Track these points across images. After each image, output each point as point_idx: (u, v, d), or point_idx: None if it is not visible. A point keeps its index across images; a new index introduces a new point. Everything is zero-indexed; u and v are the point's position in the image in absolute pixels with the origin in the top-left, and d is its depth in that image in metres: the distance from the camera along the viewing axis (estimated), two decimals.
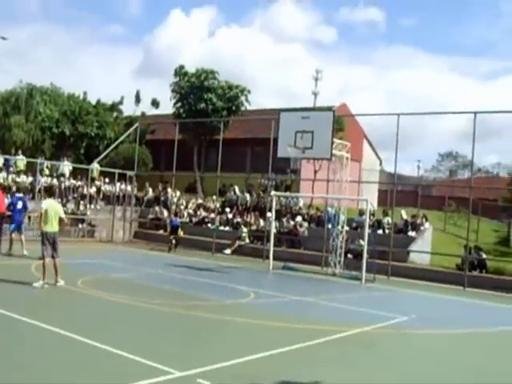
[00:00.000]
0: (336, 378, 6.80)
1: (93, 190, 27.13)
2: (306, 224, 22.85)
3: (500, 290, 16.77)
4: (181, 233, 23.22)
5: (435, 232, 24.20)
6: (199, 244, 23.57)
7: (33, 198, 23.08)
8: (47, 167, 27.09)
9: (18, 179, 24.81)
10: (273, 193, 21.62)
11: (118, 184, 27.63)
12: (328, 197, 20.45)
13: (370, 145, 42.73)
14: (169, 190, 28.07)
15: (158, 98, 39.43)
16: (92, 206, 26.28)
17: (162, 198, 28.05)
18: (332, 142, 17.52)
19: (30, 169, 25.65)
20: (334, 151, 17.74)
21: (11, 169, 25.59)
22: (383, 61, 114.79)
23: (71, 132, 34.88)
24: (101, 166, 28.55)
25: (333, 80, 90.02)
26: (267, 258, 19.37)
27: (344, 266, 18.33)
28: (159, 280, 14.25)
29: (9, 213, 17.63)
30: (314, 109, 33.14)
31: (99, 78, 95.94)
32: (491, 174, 67.13)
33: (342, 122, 28.05)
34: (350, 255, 19.27)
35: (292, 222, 22.92)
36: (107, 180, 28.42)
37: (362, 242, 18.02)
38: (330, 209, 20.33)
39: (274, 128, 19.97)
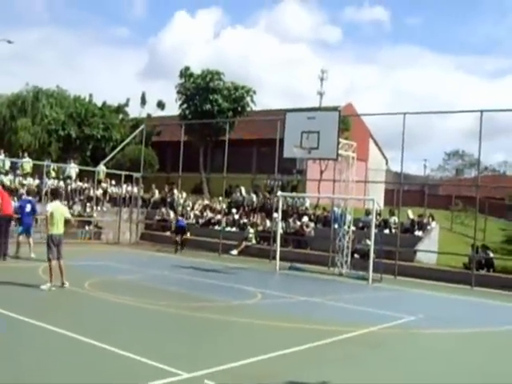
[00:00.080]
0: (343, 379, 6.80)
1: (99, 191, 27.16)
2: (312, 224, 22.82)
3: (508, 289, 16.66)
4: (188, 235, 23.26)
5: (442, 231, 24.14)
6: (206, 245, 23.58)
7: (39, 200, 23.12)
8: (54, 169, 27.09)
9: (24, 182, 24.91)
10: (279, 193, 21.60)
11: (124, 186, 27.65)
12: (334, 197, 20.43)
13: (376, 144, 42.72)
14: (175, 191, 28.08)
15: (164, 100, 39.80)
16: (98, 208, 26.31)
17: (169, 200, 28.07)
18: (338, 142, 17.53)
19: (37, 171, 25.72)
20: (340, 151, 17.74)
21: (18, 171, 25.70)
22: (389, 60, 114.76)
23: (77, 134, 34.99)
24: (107, 167, 28.60)
25: (338, 80, 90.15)
26: (274, 258, 19.35)
27: (351, 265, 18.29)
28: (165, 281, 14.27)
29: (17, 216, 17.65)
30: (319, 109, 33.05)
31: (105, 80, 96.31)
32: (498, 172, 66.79)
33: (347, 122, 28.06)
34: (356, 255, 19.22)
35: (298, 223, 22.89)
36: (113, 182, 28.50)
37: (368, 241, 17.97)
38: (336, 209, 20.32)
39: (280, 128, 19.96)
